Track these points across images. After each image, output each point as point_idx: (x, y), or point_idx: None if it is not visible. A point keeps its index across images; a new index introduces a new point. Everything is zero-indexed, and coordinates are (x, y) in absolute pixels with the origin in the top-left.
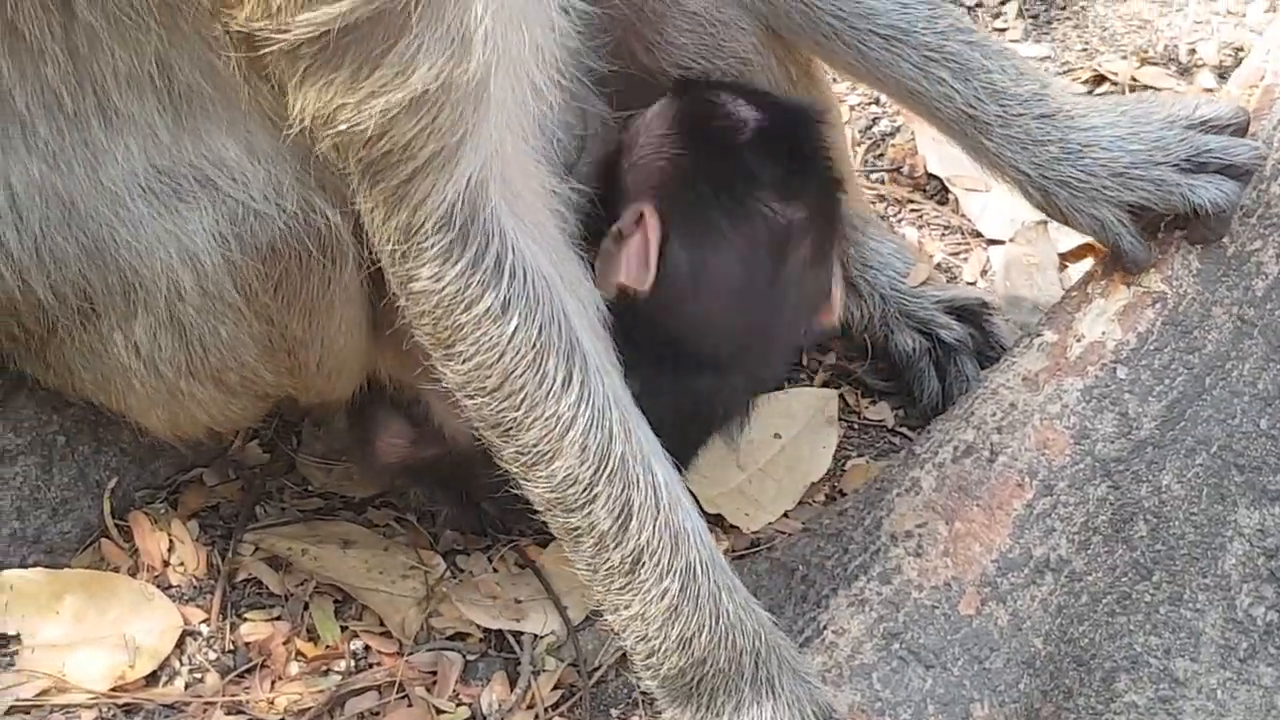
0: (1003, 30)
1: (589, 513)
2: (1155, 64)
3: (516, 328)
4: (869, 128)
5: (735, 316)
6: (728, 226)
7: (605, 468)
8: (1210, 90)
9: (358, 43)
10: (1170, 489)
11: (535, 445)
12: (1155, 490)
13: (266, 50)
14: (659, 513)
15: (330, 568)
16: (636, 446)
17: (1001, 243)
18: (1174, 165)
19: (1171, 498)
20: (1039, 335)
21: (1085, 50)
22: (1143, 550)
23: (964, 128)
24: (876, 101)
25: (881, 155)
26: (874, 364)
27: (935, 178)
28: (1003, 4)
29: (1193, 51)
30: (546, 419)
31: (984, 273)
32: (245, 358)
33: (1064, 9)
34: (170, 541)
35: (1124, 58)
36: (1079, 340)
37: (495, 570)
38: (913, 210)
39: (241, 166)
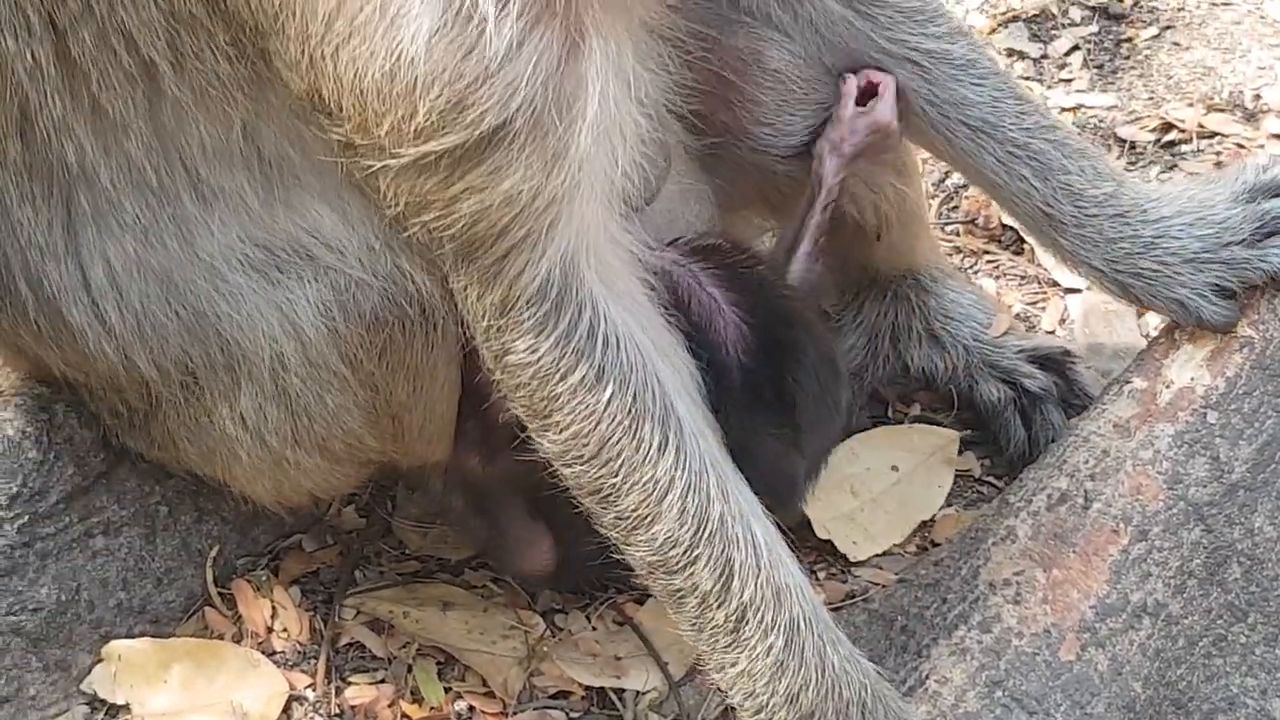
0: (1068, 81)
1: (691, 573)
2: (1221, 110)
3: (611, 395)
4: (942, 180)
5: None
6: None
7: (705, 529)
8: (1278, 135)
9: (453, 155)
10: (1263, 531)
11: (634, 510)
12: (1248, 533)
13: (364, 158)
14: (760, 571)
15: (432, 630)
16: (735, 506)
17: (1079, 291)
18: (1241, 242)
19: (1264, 539)
20: (1128, 382)
21: (1151, 99)
22: (1237, 593)
23: (1040, 224)
24: None
25: (956, 207)
26: (959, 415)
27: (1010, 228)
28: (1068, 55)
29: (1258, 97)
30: (644, 484)
31: (1062, 321)
32: (351, 425)
33: (1128, 58)
34: (273, 608)
35: (1190, 105)
36: (1168, 386)
37: (594, 628)
38: (989, 261)
39: (337, 234)
